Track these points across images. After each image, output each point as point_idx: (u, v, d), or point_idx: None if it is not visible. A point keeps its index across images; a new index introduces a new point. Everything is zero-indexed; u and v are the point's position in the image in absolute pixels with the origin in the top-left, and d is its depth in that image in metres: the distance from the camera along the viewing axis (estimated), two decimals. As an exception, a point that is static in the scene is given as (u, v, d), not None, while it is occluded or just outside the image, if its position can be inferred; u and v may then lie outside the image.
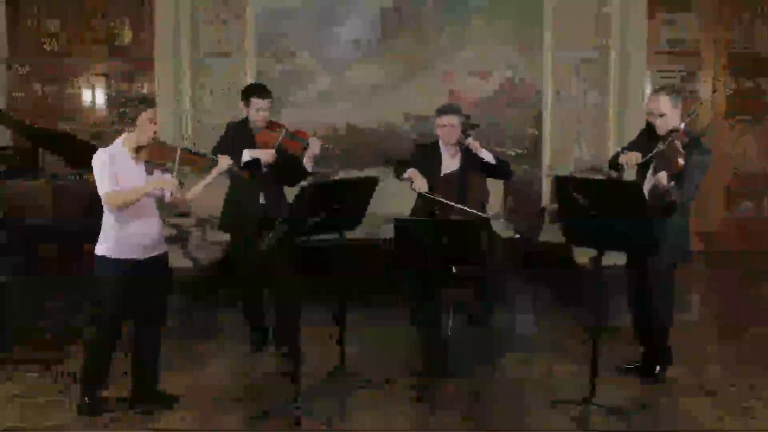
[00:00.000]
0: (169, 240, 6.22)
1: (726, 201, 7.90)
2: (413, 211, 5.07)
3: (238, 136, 4.93)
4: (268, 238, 4.01)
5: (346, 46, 7.66)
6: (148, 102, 4.01)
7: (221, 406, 4.22)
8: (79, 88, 7.80)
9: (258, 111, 4.89)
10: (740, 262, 7.50)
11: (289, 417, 4.00)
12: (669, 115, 4.33)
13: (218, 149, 4.94)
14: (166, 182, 3.93)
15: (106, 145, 3.98)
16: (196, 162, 4.15)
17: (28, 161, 6.75)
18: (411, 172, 4.91)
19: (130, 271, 3.94)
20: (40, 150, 6.69)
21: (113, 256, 3.93)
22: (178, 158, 3.94)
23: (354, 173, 6.85)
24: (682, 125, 4.27)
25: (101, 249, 3.96)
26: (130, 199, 3.85)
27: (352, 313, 4.66)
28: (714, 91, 7.69)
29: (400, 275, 5.06)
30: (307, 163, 4.90)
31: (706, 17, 7.69)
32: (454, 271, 4.69)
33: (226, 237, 5.25)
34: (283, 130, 4.90)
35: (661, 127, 4.33)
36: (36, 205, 5.77)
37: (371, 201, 4.47)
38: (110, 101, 7.77)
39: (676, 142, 4.11)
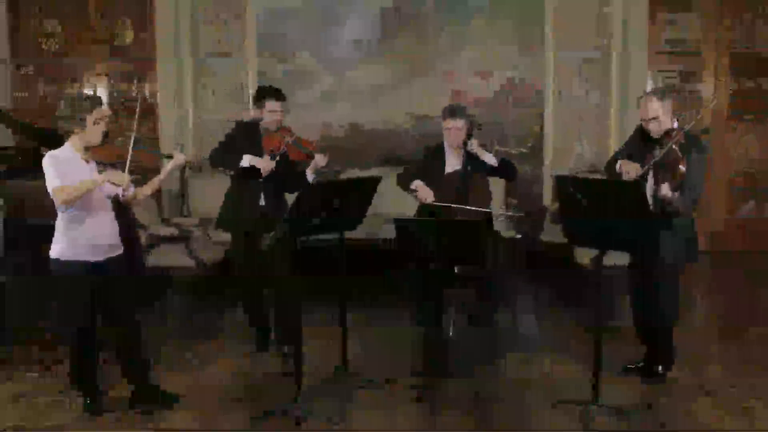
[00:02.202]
0: (171, 240, 6.27)
1: (728, 201, 7.88)
2: (417, 212, 5.07)
3: (245, 136, 4.88)
4: (269, 238, 4.01)
5: (347, 46, 7.66)
6: (94, 102, 3.92)
7: (222, 406, 4.22)
8: (80, 88, 7.80)
9: (272, 113, 4.83)
10: (742, 263, 7.49)
11: (289, 417, 4.00)
12: (662, 118, 4.29)
13: (223, 147, 4.91)
14: (116, 176, 3.82)
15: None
16: (150, 159, 4.12)
17: (29, 161, 6.75)
18: (416, 184, 4.92)
19: (85, 272, 3.88)
20: (43, 150, 6.69)
21: (66, 258, 3.88)
22: (129, 156, 3.90)
23: (356, 173, 6.83)
24: (675, 123, 4.26)
25: (55, 251, 3.90)
26: (78, 193, 3.74)
27: (352, 313, 4.65)
28: (715, 92, 7.66)
29: (401, 275, 5.06)
30: (310, 174, 4.86)
31: (707, 17, 7.67)
32: (456, 271, 4.71)
33: (229, 237, 5.24)
34: (292, 137, 4.81)
35: (656, 130, 4.31)
36: (38, 205, 5.77)
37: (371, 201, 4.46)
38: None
39: (674, 147, 4.09)
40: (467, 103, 6.95)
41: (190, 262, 6.08)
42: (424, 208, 4.98)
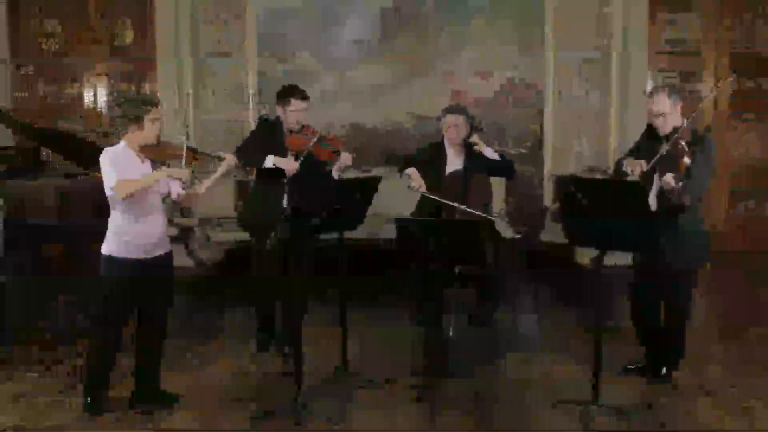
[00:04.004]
0: (172, 239, 6.25)
1: (729, 201, 7.88)
2: (416, 211, 5.07)
3: (268, 135, 4.81)
4: (271, 238, 4.02)
5: (347, 46, 7.67)
6: (151, 102, 3.99)
7: (222, 406, 4.21)
8: (80, 88, 7.81)
9: (295, 113, 4.76)
10: (742, 262, 7.48)
11: (290, 417, 4.00)
12: (670, 114, 4.29)
13: (245, 146, 4.84)
14: (180, 171, 3.91)
15: (109, 144, 3.98)
16: (200, 160, 4.15)
17: (29, 161, 6.75)
18: (410, 171, 4.93)
19: (135, 271, 3.94)
20: (49, 150, 6.70)
21: (119, 256, 3.93)
22: (185, 156, 3.95)
23: (357, 173, 6.83)
24: (685, 122, 4.25)
25: (107, 248, 3.96)
26: (141, 186, 3.83)
27: (352, 313, 4.65)
28: (715, 84, 7.64)
29: (402, 275, 5.06)
30: (335, 172, 4.80)
31: (707, 17, 7.68)
32: (456, 271, 4.71)
33: (229, 237, 5.22)
34: (316, 137, 4.72)
35: (663, 126, 4.30)
36: (38, 205, 5.76)
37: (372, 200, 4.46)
38: (111, 101, 7.79)
39: (681, 142, 4.08)
40: (467, 103, 6.95)
41: (190, 262, 6.08)
42: (422, 207, 4.97)
